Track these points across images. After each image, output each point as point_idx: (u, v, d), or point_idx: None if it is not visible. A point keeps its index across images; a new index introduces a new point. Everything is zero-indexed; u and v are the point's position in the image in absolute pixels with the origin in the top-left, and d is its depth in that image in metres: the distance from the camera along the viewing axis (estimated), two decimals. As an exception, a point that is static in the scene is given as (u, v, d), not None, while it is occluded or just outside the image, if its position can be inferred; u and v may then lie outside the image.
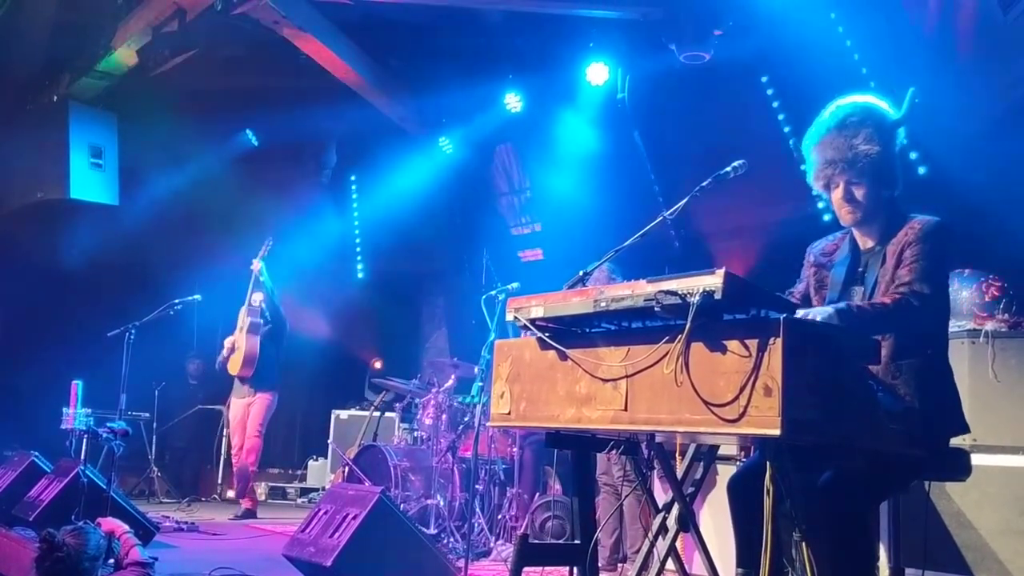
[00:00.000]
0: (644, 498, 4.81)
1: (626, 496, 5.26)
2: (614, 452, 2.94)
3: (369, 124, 9.20)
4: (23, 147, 8.61)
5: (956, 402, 2.92)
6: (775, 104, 6.95)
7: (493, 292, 5.99)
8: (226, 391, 10.20)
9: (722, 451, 4.13)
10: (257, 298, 8.15)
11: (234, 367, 8.13)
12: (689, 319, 2.25)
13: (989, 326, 4.17)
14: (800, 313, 2.61)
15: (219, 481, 9.81)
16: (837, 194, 3.00)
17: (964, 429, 2.91)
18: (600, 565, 4.89)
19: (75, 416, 6.69)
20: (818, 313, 2.64)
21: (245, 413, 8.11)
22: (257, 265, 8.09)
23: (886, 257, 2.92)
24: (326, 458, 9.59)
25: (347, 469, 7.12)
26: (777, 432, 2.10)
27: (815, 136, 3.04)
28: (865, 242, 3.06)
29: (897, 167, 2.99)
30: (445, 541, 6.07)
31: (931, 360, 2.86)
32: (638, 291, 2.38)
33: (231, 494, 9.49)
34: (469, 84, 8.31)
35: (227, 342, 8.13)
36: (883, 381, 2.80)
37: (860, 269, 3.03)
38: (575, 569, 2.97)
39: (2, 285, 9.66)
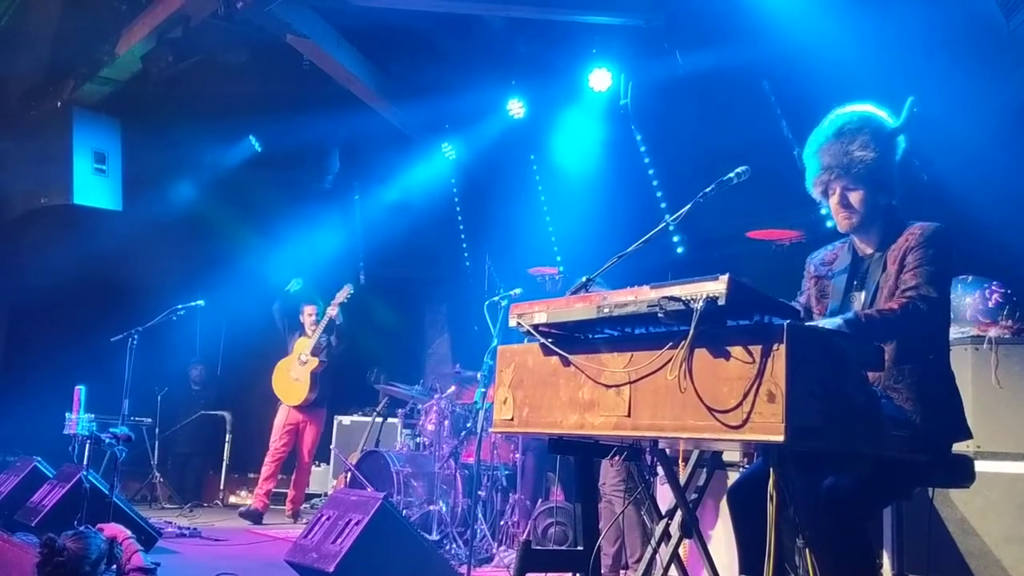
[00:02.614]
0: (645, 505, 4.80)
1: (627, 505, 5.24)
2: (615, 459, 2.94)
3: (372, 130, 9.20)
4: (27, 152, 8.62)
5: (958, 407, 2.92)
6: (778, 110, 6.95)
7: (496, 298, 5.99)
8: (228, 396, 10.25)
9: (726, 457, 4.13)
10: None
11: (293, 399, 8.22)
12: (692, 325, 2.24)
13: (993, 332, 4.16)
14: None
15: (221, 487, 9.80)
16: (834, 200, 3.02)
17: (967, 434, 2.90)
18: (603, 573, 4.89)
19: (78, 421, 6.70)
20: (828, 323, 2.64)
21: (295, 427, 8.25)
22: (334, 311, 8.14)
23: (887, 263, 2.92)
24: (328, 464, 9.58)
25: (349, 475, 7.12)
26: (780, 438, 2.10)
27: (814, 144, 3.06)
28: (864, 249, 3.07)
29: (895, 175, 3.00)
30: (447, 547, 6.07)
31: (933, 365, 2.86)
32: (641, 297, 2.38)
33: (233, 500, 9.51)
34: (472, 90, 8.31)
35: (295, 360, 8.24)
36: (884, 386, 2.80)
37: (861, 275, 3.04)
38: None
39: (6, 290, 9.68)
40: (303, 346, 8.22)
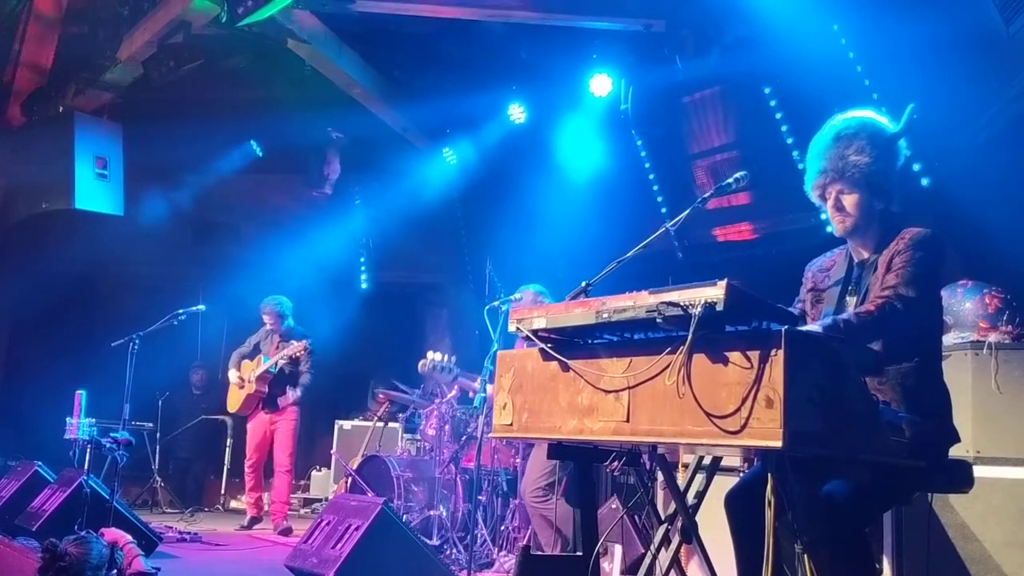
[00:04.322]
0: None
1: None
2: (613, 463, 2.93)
3: (373, 135, 9.22)
4: (28, 157, 8.64)
5: (946, 412, 2.91)
6: (778, 115, 6.96)
7: (496, 303, 5.99)
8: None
9: (727, 462, 4.13)
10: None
11: (231, 405, 7.99)
12: (691, 330, 2.25)
13: (992, 338, 4.16)
14: None
15: (222, 491, 9.80)
16: (829, 203, 3.05)
17: (955, 438, 2.90)
18: None
19: (79, 426, 6.70)
20: (810, 330, 2.64)
21: (265, 431, 7.89)
22: (284, 361, 7.66)
23: (878, 266, 2.94)
24: (329, 468, 9.59)
25: (350, 479, 7.12)
26: (779, 444, 2.11)
27: (813, 148, 3.10)
28: (860, 253, 3.09)
29: (893, 181, 3.00)
30: (448, 552, 6.07)
31: (920, 368, 2.85)
32: (640, 302, 2.39)
33: (234, 504, 9.49)
34: (472, 95, 8.32)
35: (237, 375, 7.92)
36: (870, 388, 2.80)
37: (855, 280, 3.05)
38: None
39: (7, 295, 9.70)
40: (253, 368, 7.82)
